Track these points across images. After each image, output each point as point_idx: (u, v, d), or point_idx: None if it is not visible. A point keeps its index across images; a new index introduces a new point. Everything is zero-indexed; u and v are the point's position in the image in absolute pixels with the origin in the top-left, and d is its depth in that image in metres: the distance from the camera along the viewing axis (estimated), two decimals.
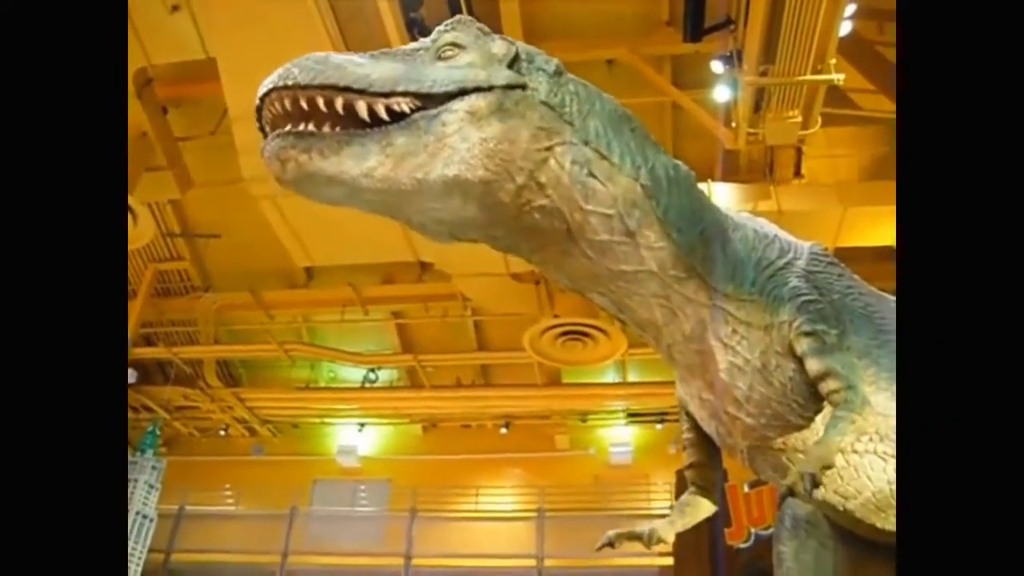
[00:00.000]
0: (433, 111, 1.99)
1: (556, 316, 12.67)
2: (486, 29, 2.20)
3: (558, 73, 2.20)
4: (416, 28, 8.17)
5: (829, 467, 2.10)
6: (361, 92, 1.94)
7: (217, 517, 15.92)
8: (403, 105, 1.98)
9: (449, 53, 2.10)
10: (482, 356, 15.83)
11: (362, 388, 16.64)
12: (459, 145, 1.98)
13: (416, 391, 16.42)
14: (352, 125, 1.97)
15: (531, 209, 2.10)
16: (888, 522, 2.56)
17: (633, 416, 16.88)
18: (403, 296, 14.70)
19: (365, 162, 1.93)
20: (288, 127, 1.94)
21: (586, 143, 2.15)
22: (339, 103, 1.94)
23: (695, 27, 9.04)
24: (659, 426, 16.35)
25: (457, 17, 2.21)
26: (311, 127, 1.93)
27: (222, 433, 18.00)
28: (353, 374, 16.73)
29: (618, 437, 17.10)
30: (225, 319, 15.50)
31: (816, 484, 2.03)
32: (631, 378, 15.94)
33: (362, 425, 17.78)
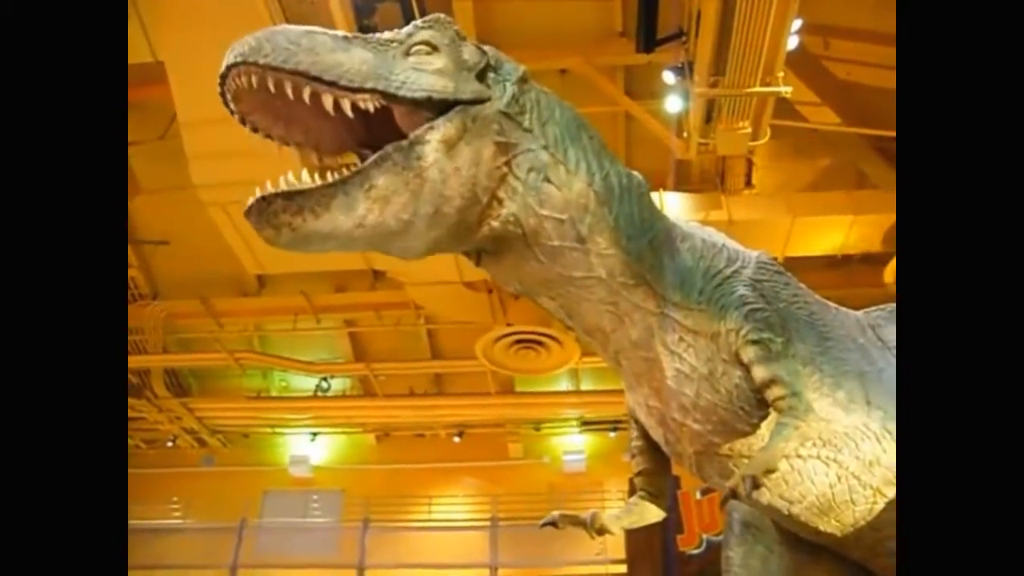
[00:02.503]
0: (404, 143, 2.01)
1: (509, 324, 12.68)
2: (462, 33, 2.22)
3: (523, 80, 2.24)
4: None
5: (772, 471, 2.12)
6: (330, 84, 1.94)
7: (164, 531, 15.56)
8: (368, 103, 1.99)
9: (421, 51, 2.11)
10: (435, 365, 15.76)
11: (314, 397, 16.43)
12: (436, 178, 2.02)
13: (369, 400, 16.28)
14: (319, 115, 1.99)
15: (491, 220, 2.15)
16: (831, 525, 2.61)
17: (587, 424, 16.93)
18: (355, 304, 14.58)
19: (355, 212, 1.96)
20: (269, 189, 1.92)
21: (544, 148, 2.20)
22: (307, 93, 1.93)
23: (648, 38, 9.16)
24: (612, 434, 16.41)
25: (436, 15, 2.20)
26: (291, 179, 1.92)
27: (170, 444, 17.58)
28: (305, 383, 16.50)
29: (572, 445, 17.14)
30: (174, 327, 15.18)
31: (756, 486, 2.06)
32: (584, 386, 15.99)
33: (314, 435, 17.55)
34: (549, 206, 2.18)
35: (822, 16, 10.01)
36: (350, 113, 1.98)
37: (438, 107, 2.06)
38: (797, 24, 8.30)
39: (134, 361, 15.05)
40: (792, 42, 8.45)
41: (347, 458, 17.72)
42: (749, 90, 8.62)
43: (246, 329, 15.37)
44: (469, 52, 2.19)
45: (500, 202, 2.14)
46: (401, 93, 2.02)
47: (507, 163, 2.13)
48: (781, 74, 8.59)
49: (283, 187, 1.93)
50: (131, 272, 14.26)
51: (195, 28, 8.26)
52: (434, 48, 2.12)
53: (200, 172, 9.79)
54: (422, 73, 2.07)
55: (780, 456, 2.16)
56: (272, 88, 1.92)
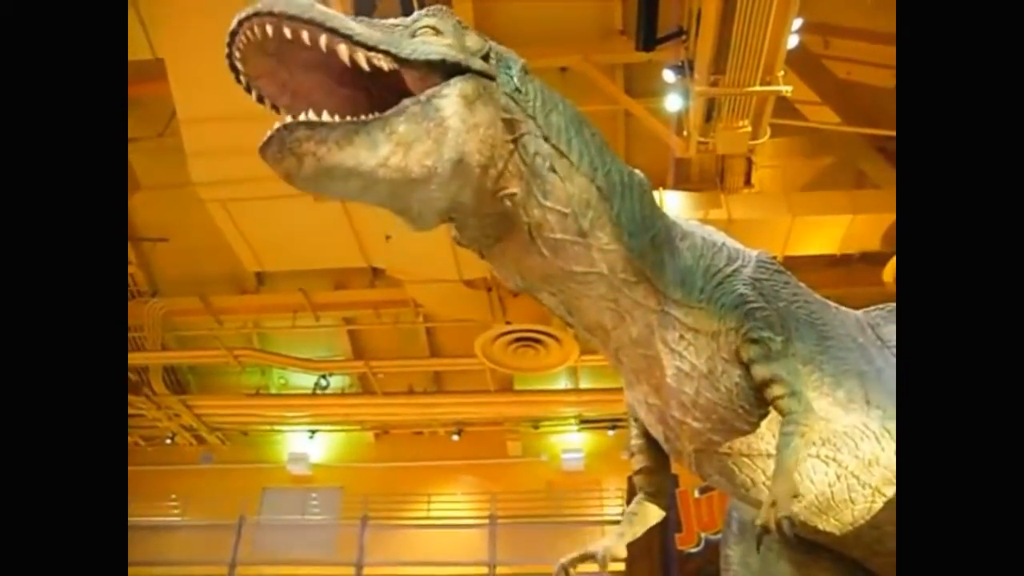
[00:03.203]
0: (421, 97, 1.99)
1: (508, 323, 12.67)
2: (464, 23, 2.22)
3: (524, 71, 2.25)
4: None
5: (797, 496, 2.13)
6: (346, 38, 1.92)
7: (162, 528, 15.56)
8: (382, 61, 1.97)
9: (427, 33, 2.11)
10: (434, 363, 15.75)
11: (313, 395, 16.42)
12: (459, 127, 2.01)
13: (368, 398, 16.27)
14: (326, 90, 1.97)
15: (504, 195, 2.14)
16: (830, 524, 2.61)
17: (585, 423, 16.92)
18: (355, 302, 14.57)
19: (378, 151, 1.91)
20: (289, 119, 1.86)
21: (547, 139, 2.19)
22: (323, 41, 1.90)
23: (648, 36, 9.14)
24: (611, 432, 16.40)
25: (438, 6, 2.21)
26: (311, 115, 1.87)
27: (168, 441, 17.58)
28: (304, 381, 16.49)
29: (570, 443, 17.14)
30: (173, 325, 15.19)
31: (794, 524, 2.05)
32: (583, 385, 15.99)
33: (313, 432, 17.54)
34: (553, 198, 2.18)
35: (822, 15, 10.00)
36: (366, 66, 1.95)
37: (450, 72, 2.06)
38: (797, 23, 8.30)
39: (133, 358, 15.04)
40: (792, 41, 8.45)
41: (346, 456, 17.71)
42: (749, 89, 8.62)
43: (245, 326, 15.36)
44: (472, 39, 2.19)
45: (511, 176, 2.13)
46: (413, 56, 2.01)
47: (514, 141, 2.13)
48: (781, 73, 8.59)
49: (303, 118, 1.87)
50: (130, 269, 14.24)
51: (195, 26, 8.24)
52: (439, 32, 2.12)
53: (199, 169, 9.79)
54: (431, 44, 2.07)
55: (795, 476, 2.17)
56: (289, 34, 1.87)
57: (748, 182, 11.20)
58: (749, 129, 9.39)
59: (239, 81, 2.01)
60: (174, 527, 15.92)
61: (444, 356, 15.56)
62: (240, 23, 1.90)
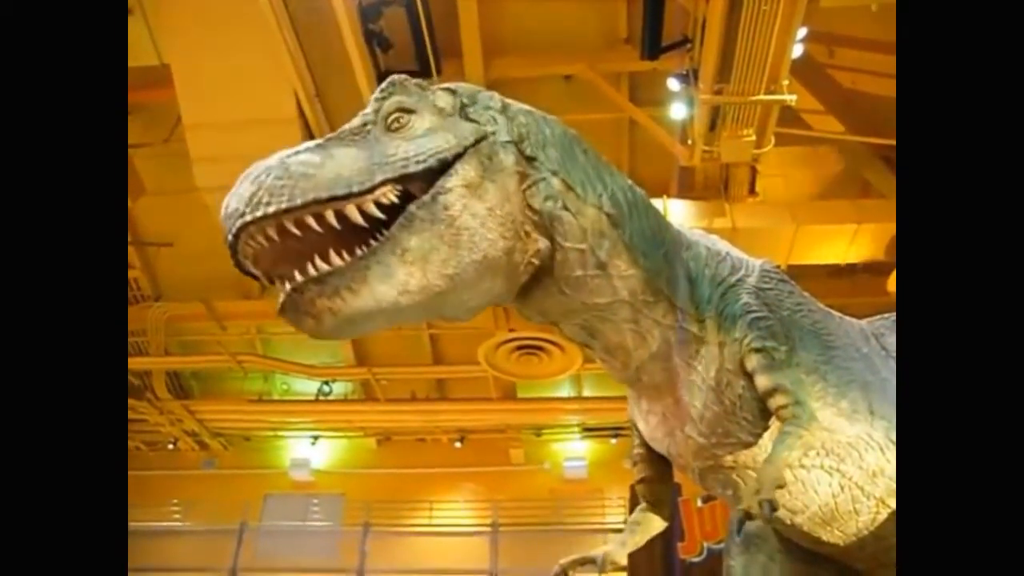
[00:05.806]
0: (425, 197, 1.90)
1: (512, 330, 12.68)
2: (423, 83, 2.12)
3: (505, 107, 2.16)
4: (375, 40, 8.16)
5: (781, 486, 2.10)
6: (346, 197, 1.82)
7: (164, 533, 15.56)
8: (390, 195, 1.88)
9: (400, 121, 2.00)
10: (437, 370, 15.73)
11: (316, 401, 16.43)
12: (472, 224, 1.91)
13: (371, 404, 16.25)
14: (342, 232, 1.85)
15: (531, 257, 2.07)
16: (833, 535, 2.60)
17: (588, 431, 16.92)
18: None
19: (395, 279, 1.83)
20: (296, 274, 1.80)
21: (554, 173, 2.12)
22: (330, 216, 1.81)
23: (653, 45, 9.17)
24: (614, 440, 16.40)
25: (390, 79, 2.09)
26: (320, 263, 1.79)
27: (171, 447, 17.61)
28: (307, 386, 16.50)
29: (573, 451, 17.13)
30: (176, 329, 15.18)
31: (774, 509, 2.03)
32: (586, 393, 15.98)
33: (315, 438, 17.55)
34: (571, 238, 2.12)
35: (827, 25, 10.01)
36: (379, 214, 1.86)
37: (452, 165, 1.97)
38: (802, 32, 8.32)
39: (136, 363, 15.04)
40: (797, 50, 8.46)
41: (348, 462, 17.71)
42: (754, 98, 8.63)
43: (248, 332, 15.35)
44: (442, 99, 2.09)
45: (531, 233, 2.05)
46: (411, 170, 1.90)
47: (526, 190, 2.06)
48: (786, 82, 8.61)
49: (312, 273, 1.80)
50: (134, 274, 14.27)
51: (201, 32, 8.29)
52: (409, 111, 2.02)
53: (204, 175, 9.80)
54: (415, 141, 1.97)
55: (785, 467, 2.14)
56: (295, 230, 1.80)
57: (752, 191, 11.20)
58: (753, 138, 9.40)
59: (258, 280, 1.95)
60: (176, 532, 15.92)
61: (447, 363, 15.54)
62: (237, 233, 1.82)
